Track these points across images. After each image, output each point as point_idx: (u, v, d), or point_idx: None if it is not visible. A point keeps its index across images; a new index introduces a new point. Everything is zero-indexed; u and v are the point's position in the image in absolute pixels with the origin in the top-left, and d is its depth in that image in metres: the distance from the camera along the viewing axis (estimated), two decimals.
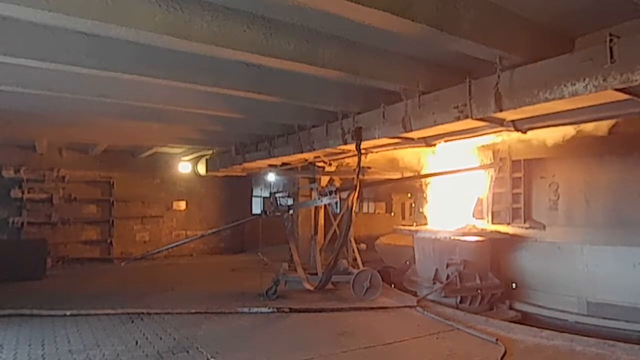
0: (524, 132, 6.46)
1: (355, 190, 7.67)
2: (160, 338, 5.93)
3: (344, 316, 7.20)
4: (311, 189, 11.09)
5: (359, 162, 7.78)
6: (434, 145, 7.83)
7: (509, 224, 9.09)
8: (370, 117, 7.44)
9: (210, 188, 16.18)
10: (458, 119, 5.84)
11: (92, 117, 8.37)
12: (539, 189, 8.92)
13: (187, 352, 5.39)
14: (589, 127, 6.47)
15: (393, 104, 6.93)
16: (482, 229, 9.27)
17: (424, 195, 10.84)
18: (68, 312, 7.00)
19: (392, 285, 9.68)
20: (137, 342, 5.73)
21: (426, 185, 10.61)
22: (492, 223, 9.35)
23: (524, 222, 8.89)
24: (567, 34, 5.12)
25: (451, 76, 6.03)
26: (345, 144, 8.04)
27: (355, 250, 9.92)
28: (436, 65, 6.14)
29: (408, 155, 9.77)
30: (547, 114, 5.60)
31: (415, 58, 5.95)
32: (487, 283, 8.56)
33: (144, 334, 6.10)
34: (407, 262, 10.16)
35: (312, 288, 8.36)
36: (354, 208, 7.92)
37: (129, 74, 5.47)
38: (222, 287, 9.37)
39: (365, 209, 17.37)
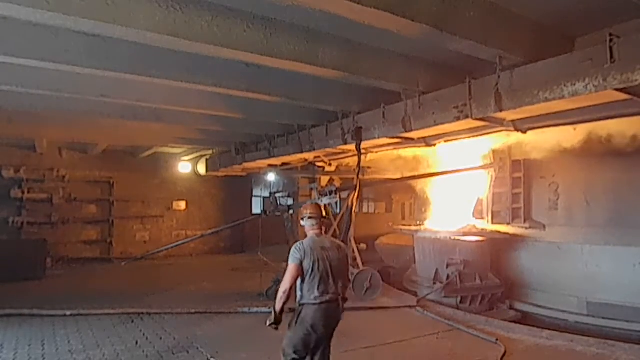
0: (524, 132, 6.46)
1: (355, 190, 7.67)
2: (160, 338, 5.93)
3: (343, 316, 7.19)
4: (311, 189, 11.09)
5: (359, 162, 7.78)
6: (434, 145, 7.84)
7: (509, 224, 9.09)
8: (370, 117, 7.44)
9: (210, 188, 16.19)
10: (458, 119, 5.85)
11: (92, 117, 8.38)
12: (539, 189, 8.92)
13: (187, 352, 5.39)
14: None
15: (393, 104, 6.94)
16: (482, 229, 9.27)
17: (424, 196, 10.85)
18: (68, 312, 6.99)
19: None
20: (137, 342, 5.73)
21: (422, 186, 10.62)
22: (492, 223, 9.35)
23: (524, 222, 8.90)
24: (567, 34, 5.12)
25: (451, 76, 6.03)
26: (345, 144, 8.04)
27: (355, 250, 9.91)
28: (436, 65, 6.15)
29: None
30: (547, 114, 5.60)
31: (415, 58, 5.96)
32: (487, 283, 8.56)
33: (144, 334, 6.10)
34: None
35: None
36: (354, 208, 7.93)
37: (129, 74, 5.48)
38: (222, 287, 9.37)
39: (365, 209, 17.37)
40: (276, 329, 3.71)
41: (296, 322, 3.68)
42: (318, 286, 3.66)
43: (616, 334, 6.81)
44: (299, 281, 3.70)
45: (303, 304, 3.68)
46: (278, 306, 3.67)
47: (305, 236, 3.96)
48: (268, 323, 3.70)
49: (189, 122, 9.07)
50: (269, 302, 7.74)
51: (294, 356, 3.67)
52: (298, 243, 3.83)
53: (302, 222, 4.01)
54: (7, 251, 10.34)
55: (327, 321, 3.68)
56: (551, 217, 8.69)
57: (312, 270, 3.67)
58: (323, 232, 3.98)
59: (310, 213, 3.95)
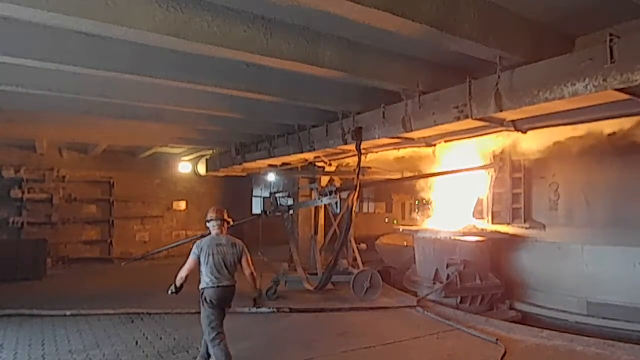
0: (524, 132, 6.46)
1: (355, 190, 7.67)
2: (160, 338, 5.94)
3: (344, 316, 7.20)
4: (311, 189, 11.08)
5: (359, 162, 7.78)
6: (434, 145, 7.83)
7: (509, 224, 9.08)
8: (370, 117, 7.44)
9: (210, 188, 16.18)
10: (458, 119, 5.84)
11: (92, 117, 8.38)
12: (539, 189, 8.91)
13: (187, 352, 5.39)
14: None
15: (393, 104, 6.94)
16: (482, 229, 9.26)
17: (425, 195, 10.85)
18: (68, 312, 7.00)
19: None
20: (137, 342, 5.73)
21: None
22: (492, 223, 9.34)
23: (524, 222, 8.88)
24: (567, 34, 5.12)
25: (451, 76, 6.03)
26: (345, 144, 8.04)
27: (355, 250, 9.91)
28: (436, 65, 6.15)
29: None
30: (547, 114, 5.59)
31: (415, 58, 5.96)
32: (487, 283, 8.56)
33: (144, 334, 6.10)
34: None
35: (312, 288, 8.36)
36: (354, 208, 7.92)
37: (129, 74, 5.47)
38: None
39: (365, 209, 17.37)
40: (176, 294, 4.77)
41: (202, 302, 4.67)
42: (213, 274, 4.65)
43: (616, 334, 6.81)
44: (202, 269, 4.69)
45: (203, 288, 4.67)
46: (178, 284, 4.75)
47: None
48: (169, 292, 4.75)
49: (189, 122, 9.07)
50: (269, 302, 7.78)
51: (214, 325, 4.59)
52: (198, 241, 4.81)
53: (207, 224, 4.94)
54: (7, 251, 10.35)
55: (220, 299, 4.66)
56: (551, 217, 8.68)
57: (207, 262, 4.66)
58: (223, 232, 4.88)
59: (211, 216, 4.91)
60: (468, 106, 5.62)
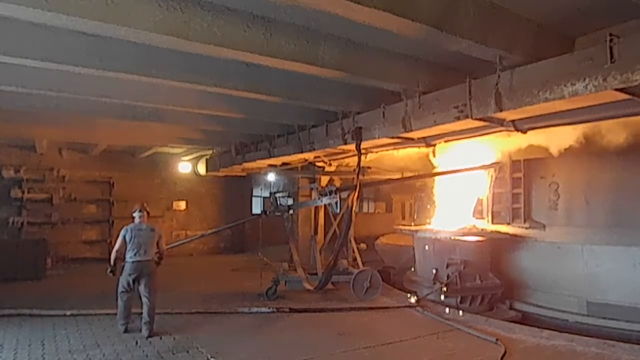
0: (524, 132, 6.46)
1: (355, 190, 7.67)
2: (160, 338, 5.93)
3: (344, 316, 7.20)
4: (311, 189, 11.09)
5: (359, 162, 7.78)
6: (434, 145, 7.83)
7: (509, 224, 9.08)
8: (370, 117, 7.44)
9: (210, 188, 16.18)
10: (458, 119, 5.84)
11: (92, 117, 8.38)
12: (539, 189, 8.91)
13: (187, 352, 5.39)
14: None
15: (393, 104, 6.94)
16: (482, 229, 9.26)
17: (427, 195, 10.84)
18: (68, 312, 7.00)
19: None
20: (137, 342, 5.73)
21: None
22: (492, 223, 9.34)
23: (524, 222, 8.89)
24: (567, 34, 5.12)
25: (451, 76, 6.03)
26: (345, 144, 8.04)
27: (355, 250, 9.91)
28: (436, 65, 6.15)
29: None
30: (547, 114, 5.60)
31: (415, 58, 5.96)
32: (487, 283, 8.55)
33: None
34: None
35: (312, 288, 8.36)
36: (354, 208, 7.92)
37: (129, 74, 5.48)
38: (222, 287, 9.37)
39: (365, 209, 17.36)
40: (113, 275, 6.25)
41: (122, 272, 6.16)
42: (133, 252, 6.10)
43: (616, 334, 6.81)
44: (127, 248, 6.10)
45: (125, 261, 6.15)
46: (112, 261, 6.25)
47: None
48: (108, 271, 6.25)
49: (189, 122, 9.07)
50: (269, 302, 7.78)
51: (123, 289, 6.15)
52: (126, 226, 6.27)
53: (132, 215, 6.40)
54: (7, 251, 10.34)
55: (136, 271, 6.10)
56: (551, 217, 8.68)
57: (130, 242, 6.12)
58: (144, 220, 6.36)
59: (136, 209, 6.41)
60: (468, 106, 5.62)
